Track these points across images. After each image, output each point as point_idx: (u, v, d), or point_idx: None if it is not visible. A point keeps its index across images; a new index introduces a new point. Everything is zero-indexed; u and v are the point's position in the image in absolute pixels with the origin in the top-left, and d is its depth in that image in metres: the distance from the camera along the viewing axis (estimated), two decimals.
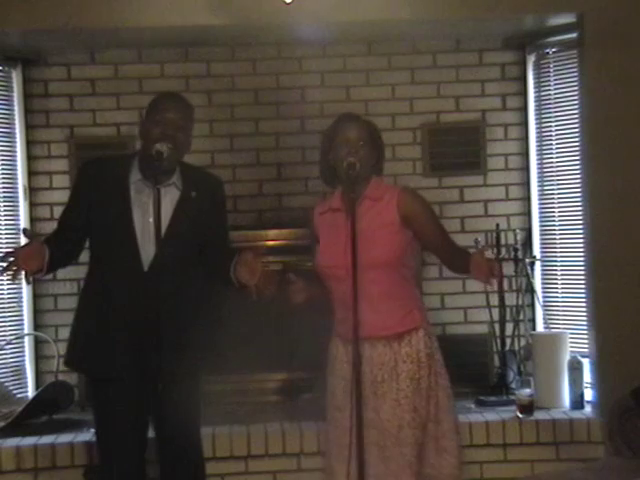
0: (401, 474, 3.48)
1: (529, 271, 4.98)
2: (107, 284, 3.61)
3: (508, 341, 4.97)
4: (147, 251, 3.54)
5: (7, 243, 4.92)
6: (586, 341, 4.70)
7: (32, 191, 5.05)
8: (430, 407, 3.50)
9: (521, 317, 5.01)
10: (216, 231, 3.73)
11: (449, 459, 3.51)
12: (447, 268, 3.63)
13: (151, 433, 3.71)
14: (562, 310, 4.98)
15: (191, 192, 3.64)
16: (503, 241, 4.98)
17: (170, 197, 3.59)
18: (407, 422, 3.48)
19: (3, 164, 4.92)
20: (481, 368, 5.06)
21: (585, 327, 4.71)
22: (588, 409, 4.60)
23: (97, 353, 3.63)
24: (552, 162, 5.00)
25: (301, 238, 4.38)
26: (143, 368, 3.47)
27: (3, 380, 4.84)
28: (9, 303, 4.92)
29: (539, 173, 5.08)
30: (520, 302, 5.01)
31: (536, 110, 5.08)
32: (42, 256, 3.47)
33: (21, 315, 4.98)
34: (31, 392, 4.94)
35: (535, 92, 5.08)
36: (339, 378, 3.55)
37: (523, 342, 4.99)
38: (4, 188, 4.92)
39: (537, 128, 5.08)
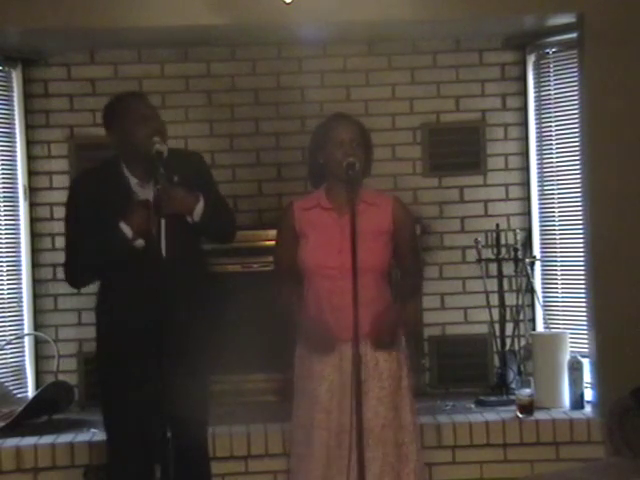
0: (384, 476, 3.49)
1: (529, 271, 4.98)
2: (128, 289, 3.61)
3: (508, 341, 4.96)
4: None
5: (7, 243, 4.92)
6: (586, 341, 4.69)
7: (32, 191, 5.04)
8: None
9: (521, 317, 5.01)
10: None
11: (410, 465, 3.58)
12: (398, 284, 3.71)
13: None
14: (562, 310, 4.97)
15: (174, 178, 3.57)
16: (503, 241, 4.98)
17: None
18: (389, 421, 3.50)
19: (3, 164, 4.92)
20: (481, 368, 5.07)
21: (585, 327, 4.70)
22: (588, 409, 4.59)
23: (115, 354, 3.65)
24: (552, 162, 5.00)
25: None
26: (151, 367, 3.46)
27: (3, 380, 4.83)
28: (9, 303, 4.92)
29: (539, 173, 5.08)
30: (520, 302, 5.01)
31: (536, 110, 5.08)
32: None
33: (21, 315, 4.97)
34: (31, 392, 4.94)
35: (535, 92, 5.08)
36: (319, 379, 3.55)
37: (523, 342, 4.99)
38: (4, 188, 4.92)
39: (537, 128, 5.08)
